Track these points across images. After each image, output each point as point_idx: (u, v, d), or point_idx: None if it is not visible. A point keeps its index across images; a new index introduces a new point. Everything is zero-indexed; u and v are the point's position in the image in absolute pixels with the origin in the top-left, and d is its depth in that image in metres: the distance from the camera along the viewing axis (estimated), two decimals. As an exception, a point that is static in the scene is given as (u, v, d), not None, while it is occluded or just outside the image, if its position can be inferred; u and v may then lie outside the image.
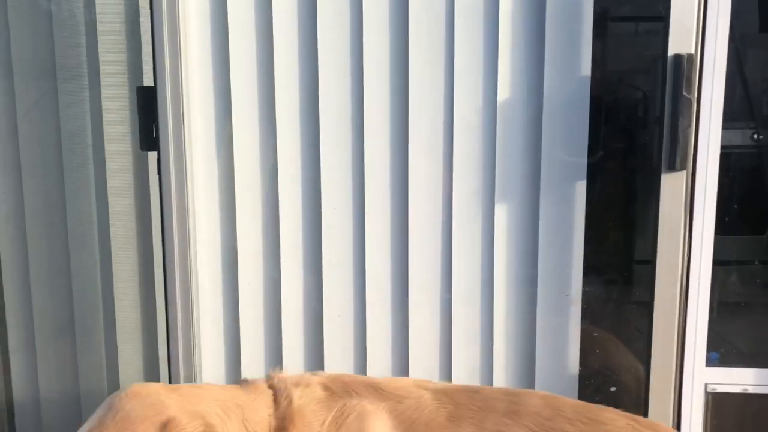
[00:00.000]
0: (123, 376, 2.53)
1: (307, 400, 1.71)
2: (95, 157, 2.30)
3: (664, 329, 2.14)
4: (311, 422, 1.68)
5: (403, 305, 2.34)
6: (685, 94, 2.01)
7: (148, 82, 2.25)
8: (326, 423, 1.68)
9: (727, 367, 2.23)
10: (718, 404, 2.22)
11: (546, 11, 2.13)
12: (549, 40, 2.14)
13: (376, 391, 1.77)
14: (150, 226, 2.34)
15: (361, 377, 1.86)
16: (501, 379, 2.36)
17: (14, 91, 2.35)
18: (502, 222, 2.27)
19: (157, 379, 2.47)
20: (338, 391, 1.75)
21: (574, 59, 2.14)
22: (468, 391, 1.84)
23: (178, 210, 2.15)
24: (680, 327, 2.15)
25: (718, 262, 2.16)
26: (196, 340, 2.23)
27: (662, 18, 2.01)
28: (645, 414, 2.20)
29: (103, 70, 2.33)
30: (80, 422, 1.62)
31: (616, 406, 2.32)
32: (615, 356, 2.30)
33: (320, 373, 1.86)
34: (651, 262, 2.13)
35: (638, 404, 2.24)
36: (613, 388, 2.31)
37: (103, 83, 2.33)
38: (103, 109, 2.29)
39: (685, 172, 2.08)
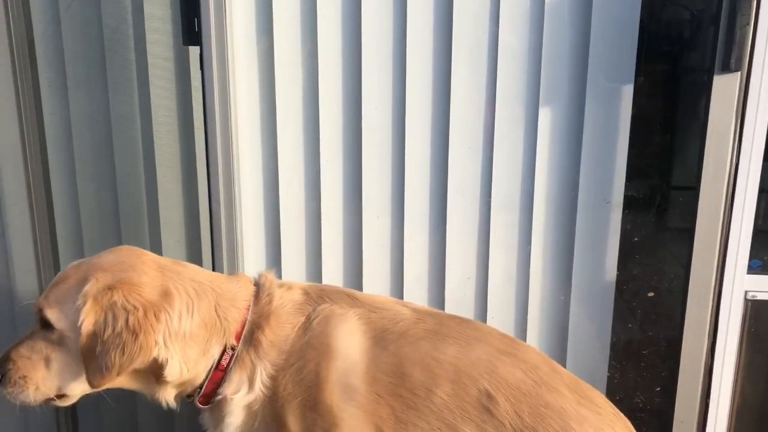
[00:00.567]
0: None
1: (286, 301, 1.74)
2: (137, 52, 2.30)
3: (707, 232, 2.12)
4: (284, 324, 1.71)
5: (441, 209, 2.34)
6: (745, -12, 1.93)
7: (190, -25, 2.21)
8: (296, 327, 1.70)
9: (769, 275, 2.21)
10: (757, 312, 2.21)
11: None
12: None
13: (351, 299, 1.77)
14: (192, 121, 2.35)
15: (343, 288, 1.85)
16: (537, 284, 2.37)
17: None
18: (545, 124, 2.23)
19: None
20: (315, 297, 1.76)
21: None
22: (458, 318, 1.80)
23: (220, 105, 2.16)
24: (723, 232, 2.13)
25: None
26: (238, 236, 2.26)
27: None
28: (682, 320, 2.20)
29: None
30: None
31: (653, 313, 2.34)
32: (654, 262, 2.28)
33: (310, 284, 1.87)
34: (697, 168, 2.09)
35: (675, 310, 2.24)
36: (650, 294, 2.31)
37: (145, -23, 2.31)
38: (145, 3, 2.27)
39: (739, 73, 2.01)
